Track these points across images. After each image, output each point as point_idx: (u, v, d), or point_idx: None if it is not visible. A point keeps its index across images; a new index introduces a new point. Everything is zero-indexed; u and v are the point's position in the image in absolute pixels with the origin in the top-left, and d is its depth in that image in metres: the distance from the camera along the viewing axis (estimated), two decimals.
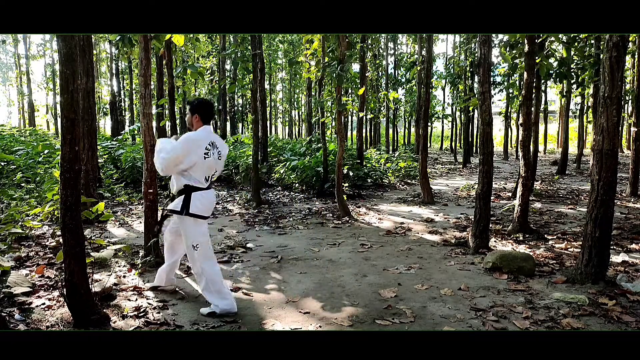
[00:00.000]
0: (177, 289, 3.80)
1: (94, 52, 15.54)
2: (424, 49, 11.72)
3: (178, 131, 10.63)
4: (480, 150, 5.22)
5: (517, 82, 16.40)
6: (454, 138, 23.94)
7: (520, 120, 5.96)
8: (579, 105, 17.09)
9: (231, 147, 13.52)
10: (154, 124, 5.40)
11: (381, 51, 20.79)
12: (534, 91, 6.47)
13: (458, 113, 23.23)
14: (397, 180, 11.92)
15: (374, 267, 4.51)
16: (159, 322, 3.16)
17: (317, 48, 8.31)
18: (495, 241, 5.48)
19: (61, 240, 3.04)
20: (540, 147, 22.44)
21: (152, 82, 4.77)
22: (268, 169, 10.98)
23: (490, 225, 5.45)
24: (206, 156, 3.26)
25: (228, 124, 20.23)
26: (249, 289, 3.88)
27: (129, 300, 3.56)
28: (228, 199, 8.90)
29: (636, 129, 9.14)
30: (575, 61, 9.52)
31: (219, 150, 3.35)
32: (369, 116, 17.42)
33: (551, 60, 7.64)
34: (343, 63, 7.06)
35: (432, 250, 5.17)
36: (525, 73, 5.86)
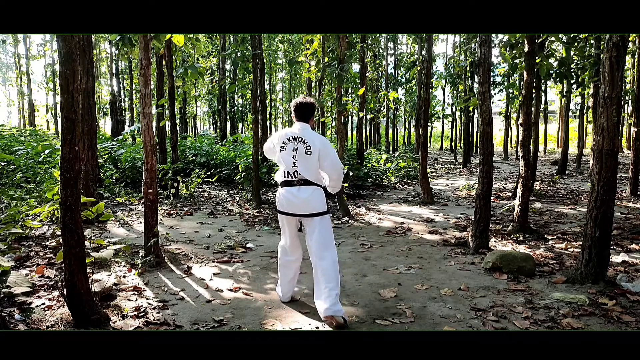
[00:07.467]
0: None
1: (94, 52, 15.54)
2: (424, 49, 11.72)
3: (178, 131, 10.64)
4: (480, 150, 5.22)
5: (517, 82, 16.39)
6: (454, 138, 23.93)
7: (520, 120, 5.96)
8: (579, 105, 17.08)
9: (231, 147, 13.51)
10: (154, 124, 5.40)
11: (381, 51, 20.80)
12: (534, 91, 6.47)
13: (458, 113, 23.22)
14: (397, 180, 11.91)
15: (374, 267, 4.51)
16: (159, 322, 3.16)
17: (317, 48, 8.31)
18: (495, 241, 5.48)
19: (61, 240, 3.04)
20: (540, 147, 22.44)
21: (152, 82, 4.76)
22: (268, 169, 10.98)
23: (490, 225, 5.45)
24: (281, 149, 3.34)
25: (228, 124, 20.22)
26: (249, 289, 3.89)
27: (129, 300, 3.57)
28: (228, 199, 8.90)
29: (636, 129, 9.14)
30: (575, 61, 9.52)
31: (305, 145, 3.27)
32: (369, 116, 17.43)
33: (551, 60, 7.64)
34: (343, 63, 7.06)
35: (432, 250, 5.17)
36: (525, 73, 5.86)
